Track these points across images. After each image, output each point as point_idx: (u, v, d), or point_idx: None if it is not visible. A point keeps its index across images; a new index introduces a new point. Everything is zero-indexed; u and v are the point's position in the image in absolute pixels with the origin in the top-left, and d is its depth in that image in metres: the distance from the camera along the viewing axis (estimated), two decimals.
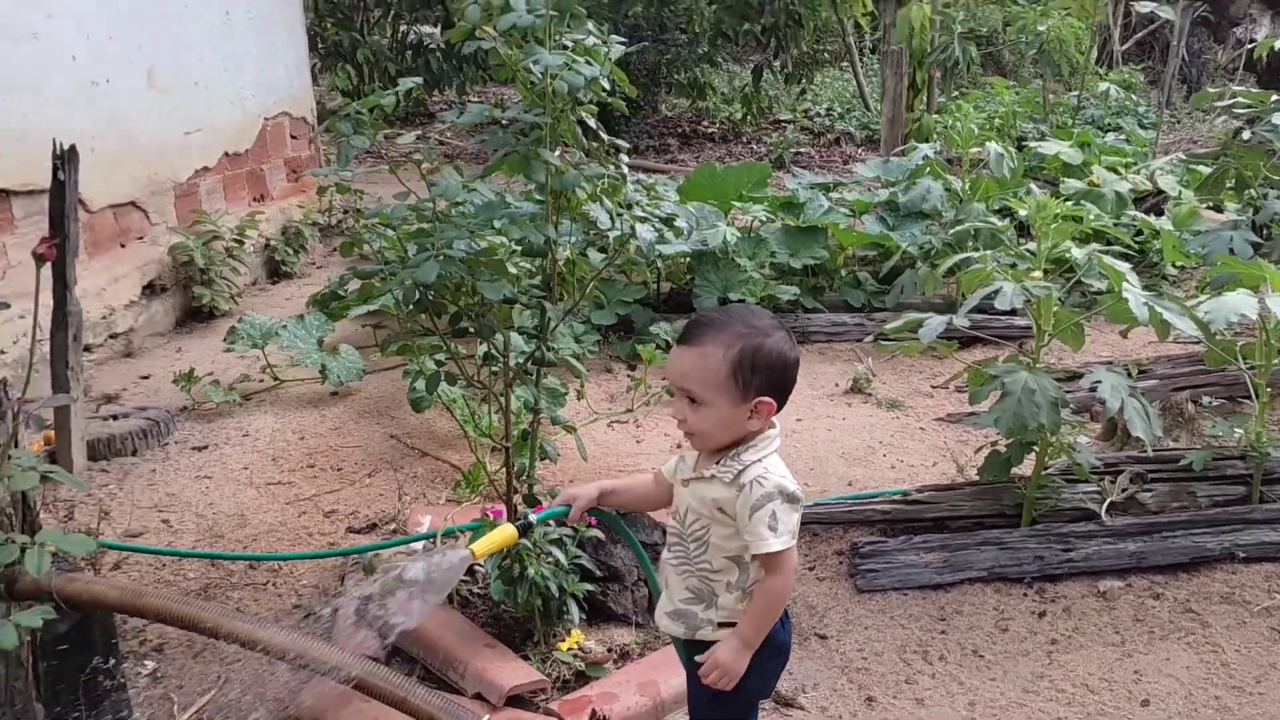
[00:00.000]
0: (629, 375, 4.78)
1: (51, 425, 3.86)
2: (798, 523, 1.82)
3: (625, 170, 2.62)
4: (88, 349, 5.08)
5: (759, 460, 1.81)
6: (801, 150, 10.57)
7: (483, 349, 2.74)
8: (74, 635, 2.08)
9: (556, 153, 2.46)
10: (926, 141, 7.09)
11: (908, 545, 3.11)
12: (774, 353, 1.79)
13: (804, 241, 5.19)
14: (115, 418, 4.26)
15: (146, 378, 4.97)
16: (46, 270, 3.18)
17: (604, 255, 3.48)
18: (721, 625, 1.88)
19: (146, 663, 2.77)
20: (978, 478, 3.29)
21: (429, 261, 2.23)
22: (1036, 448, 3.14)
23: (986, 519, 3.26)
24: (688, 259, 5.18)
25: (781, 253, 5.17)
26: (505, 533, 2.00)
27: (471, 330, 2.57)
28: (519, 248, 2.60)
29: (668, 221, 2.39)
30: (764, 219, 5.38)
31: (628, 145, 2.69)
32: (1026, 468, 3.23)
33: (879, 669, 2.72)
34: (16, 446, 1.68)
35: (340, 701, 2.42)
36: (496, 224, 2.45)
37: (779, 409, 1.85)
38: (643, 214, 2.38)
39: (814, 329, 5.16)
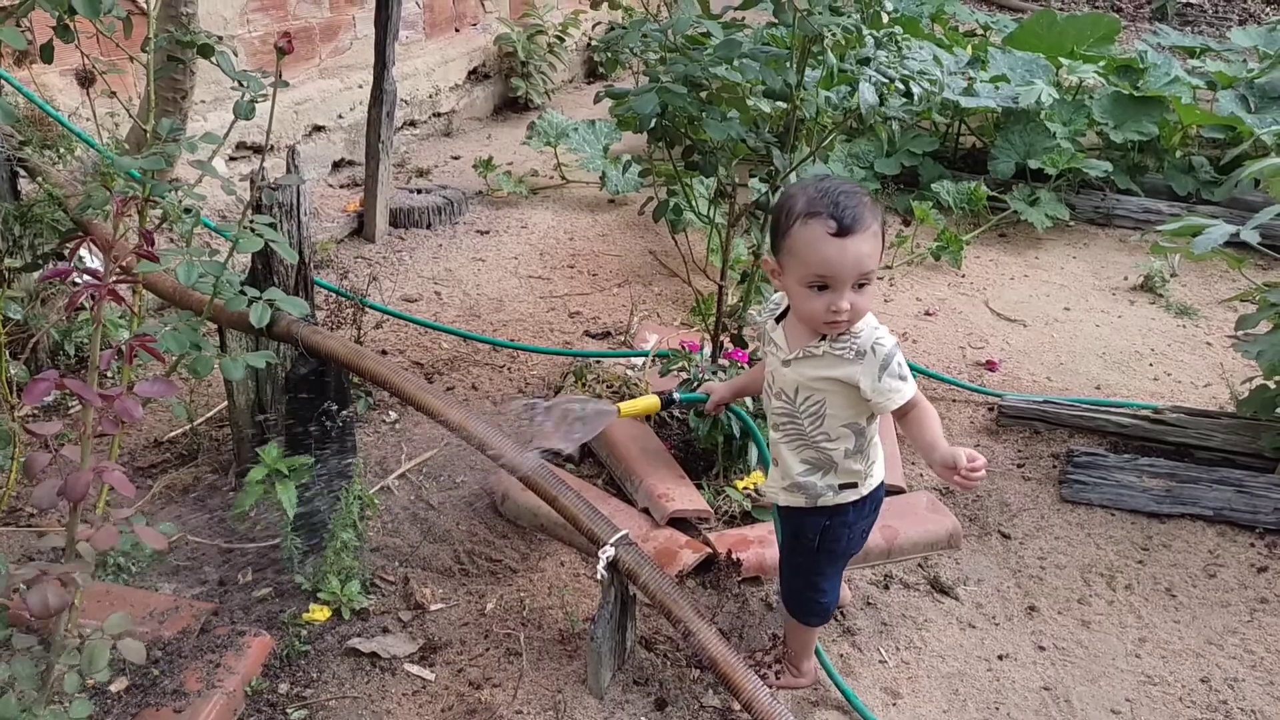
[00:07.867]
0: (901, 229, 4.58)
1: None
2: None
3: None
4: (412, 124, 5.59)
5: (861, 322, 1.83)
6: (1193, 1, 9.22)
7: (713, 184, 2.76)
8: (315, 380, 2.44)
9: None
10: None
11: (1130, 465, 2.89)
12: None
13: (1134, 113, 4.62)
14: (419, 192, 4.71)
15: (457, 158, 5.41)
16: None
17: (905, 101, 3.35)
18: (843, 487, 1.94)
19: (390, 413, 3.18)
20: (1235, 410, 2.96)
21: (650, 94, 2.26)
22: None
23: (1236, 457, 2.94)
24: (995, 115, 4.80)
25: (1104, 122, 4.65)
26: (649, 401, 2.28)
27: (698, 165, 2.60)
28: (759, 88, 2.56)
29: (906, 80, 2.25)
30: (1096, 80, 4.84)
31: None
32: None
33: (1054, 581, 2.62)
34: (258, 212, 1.94)
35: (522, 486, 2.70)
36: (735, 63, 2.41)
37: None
38: (873, 71, 2.24)
39: (1121, 212, 4.68)
